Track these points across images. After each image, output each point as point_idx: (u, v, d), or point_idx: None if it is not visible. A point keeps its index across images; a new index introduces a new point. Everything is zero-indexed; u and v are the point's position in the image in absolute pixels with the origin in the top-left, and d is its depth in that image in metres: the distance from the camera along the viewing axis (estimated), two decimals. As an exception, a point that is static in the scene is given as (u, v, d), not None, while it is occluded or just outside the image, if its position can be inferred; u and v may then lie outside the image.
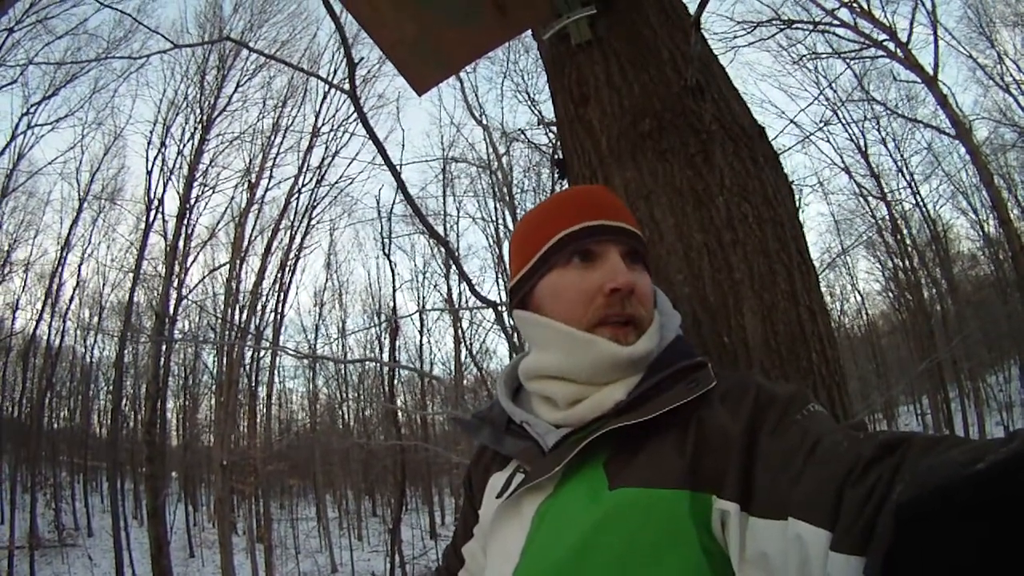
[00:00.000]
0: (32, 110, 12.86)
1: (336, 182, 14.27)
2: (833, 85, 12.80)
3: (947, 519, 0.39)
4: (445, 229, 12.14)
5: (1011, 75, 13.30)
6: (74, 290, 16.14)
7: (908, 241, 15.01)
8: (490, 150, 8.90)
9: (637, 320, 0.73)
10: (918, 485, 0.43)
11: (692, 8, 1.22)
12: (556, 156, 1.43)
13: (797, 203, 1.19)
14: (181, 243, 12.22)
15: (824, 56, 12.09)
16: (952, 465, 0.41)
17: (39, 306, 15.39)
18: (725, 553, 0.59)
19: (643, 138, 1.13)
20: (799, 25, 10.71)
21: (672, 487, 0.60)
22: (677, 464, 0.62)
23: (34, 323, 15.52)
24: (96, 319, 17.08)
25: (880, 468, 0.48)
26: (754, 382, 0.67)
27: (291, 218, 13.89)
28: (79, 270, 15.76)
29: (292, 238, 14.01)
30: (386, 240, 11.90)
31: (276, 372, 16.90)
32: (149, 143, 12.95)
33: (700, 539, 0.58)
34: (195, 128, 12.78)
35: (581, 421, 0.71)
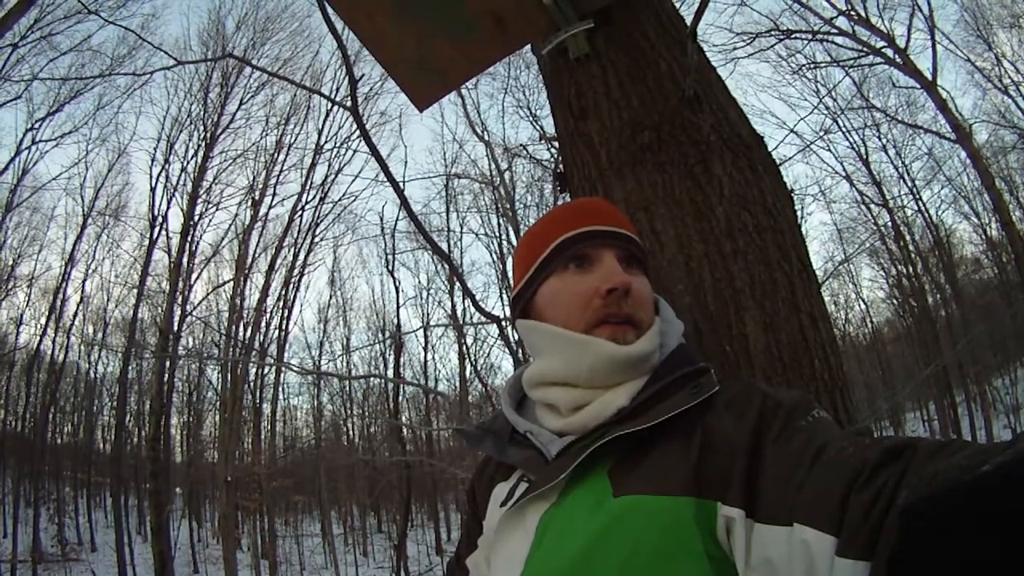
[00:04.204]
0: (36, 126, 13.02)
1: (339, 199, 14.37)
2: (833, 93, 12.87)
3: (952, 522, 0.39)
4: (448, 245, 12.15)
5: (1009, 77, 13.37)
6: (78, 306, 16.23)
7: (911, 247, 14.99)
8: (492, 166, 8.96)
9: (636, 321, 0.73)
10: (923, 488, 0.43)
11: (689, 20, 1.23)
12: (558, 170, 1.44)
13: (798, 212, 1.19)
14: (185, 260, 12.30)
15: (823, 65, 12.17)
16: (957, 468, 0.41)
17: (43, 321, 15.51)
18: (730, 560, 0.59)
19: (642, 150, 1.14)
20: (798, 35, 10.82)
21: (677, 494, 0.60)
22: (682, 470, 0.62)
23: (38, 338, 15.62)
24: (100, 335, 17.14)
25: (885, 473, 0.48)
26: (759, 389, 0.67)
27: (295, 235, 13.96)
28: (83, 286, 15.89)
29: (296, 255, 14.07)
30: (390, 257, 12.00)
31: (280, 389, 16.97)
32: (153, 160, 13.13)
33: (705, 546, 0.58)
34: (199, 145, 12.92)
35: (584, 428, 0.70)
